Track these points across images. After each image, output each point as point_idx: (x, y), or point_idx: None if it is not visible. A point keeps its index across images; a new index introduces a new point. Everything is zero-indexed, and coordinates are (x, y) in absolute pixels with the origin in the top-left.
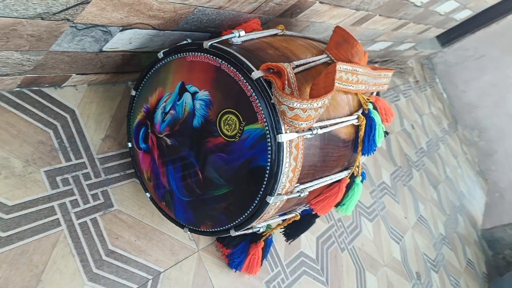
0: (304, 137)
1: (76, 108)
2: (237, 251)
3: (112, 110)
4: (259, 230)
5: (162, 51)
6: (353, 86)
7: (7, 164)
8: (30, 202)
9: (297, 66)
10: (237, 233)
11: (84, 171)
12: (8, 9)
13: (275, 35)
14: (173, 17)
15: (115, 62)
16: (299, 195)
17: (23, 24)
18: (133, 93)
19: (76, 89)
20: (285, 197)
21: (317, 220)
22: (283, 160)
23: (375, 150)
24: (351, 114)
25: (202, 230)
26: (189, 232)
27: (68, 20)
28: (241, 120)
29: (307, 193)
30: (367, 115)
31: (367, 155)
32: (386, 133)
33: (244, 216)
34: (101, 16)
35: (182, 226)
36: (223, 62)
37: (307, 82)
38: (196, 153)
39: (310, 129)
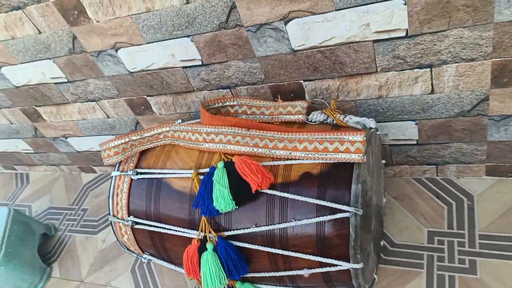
0: (131, 176)
1: None
2: None
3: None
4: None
5: None
6: (202, 145)
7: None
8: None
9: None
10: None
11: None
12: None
13: None
14: None
15: None
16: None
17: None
18: None
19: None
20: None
21: None
22: (112, 184)
23: (215, 213)
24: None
25: None
26: None
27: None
28: None
29: (132, 222)
30: (209, 172)
31: (206, 216)
32: (248, 195)
33: None
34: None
35: None
36: None
37: None
38: None
39: (135, 173)
